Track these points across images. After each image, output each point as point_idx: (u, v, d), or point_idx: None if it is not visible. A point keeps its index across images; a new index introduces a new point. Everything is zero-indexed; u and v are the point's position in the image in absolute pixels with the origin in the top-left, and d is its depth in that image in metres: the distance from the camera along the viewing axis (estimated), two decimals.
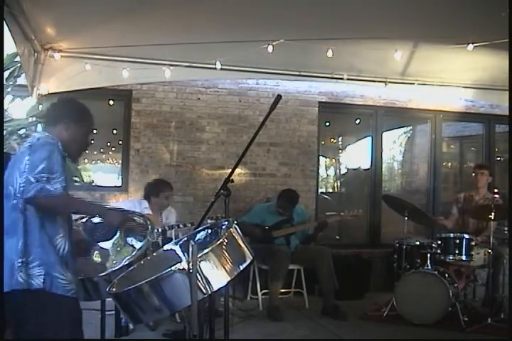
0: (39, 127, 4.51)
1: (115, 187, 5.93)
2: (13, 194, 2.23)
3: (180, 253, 2.54)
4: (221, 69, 4.85)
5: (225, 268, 2.07)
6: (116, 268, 2.58)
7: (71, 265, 2.33)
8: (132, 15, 3.86)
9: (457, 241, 4.79)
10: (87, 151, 2.64)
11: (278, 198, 5.44)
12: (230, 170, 2.66)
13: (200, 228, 2.64)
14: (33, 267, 2.19)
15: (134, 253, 2.80)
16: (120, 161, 6.06)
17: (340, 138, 7.93)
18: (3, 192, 2.27)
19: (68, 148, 2.43)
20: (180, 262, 2.06)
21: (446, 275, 4.76)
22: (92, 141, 2.73)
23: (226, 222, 2.48)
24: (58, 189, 2.20)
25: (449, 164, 7.90)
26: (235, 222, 2.29)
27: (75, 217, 2.68)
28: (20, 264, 2.17)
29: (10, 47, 3.87)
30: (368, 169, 6.86)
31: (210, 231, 2.59)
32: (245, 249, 2.21)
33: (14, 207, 2.23)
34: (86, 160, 7.00)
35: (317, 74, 5.45)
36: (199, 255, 2.00)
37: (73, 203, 2.40)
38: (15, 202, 2.23)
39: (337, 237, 6.42)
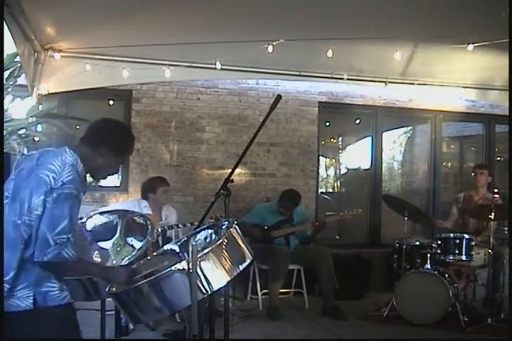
0: (39, 127, 4.52)
1: (115, 187, 5.92)
2: (19, 212, 2.10)
3: (181, 253, 2.54)
4: (221, 69, 4.85)
5: (225, 268, 2.07)
6: None
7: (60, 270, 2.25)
8: (132, 15, 3.86)
9: (457, 241, 4.80)
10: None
11: (280, 198, 5.44)
12: (230, 170, 2.66)
13: (200, 228, 2.64)
14: (20, 289, 2.09)
15: (134, 253, 2.80)
16: None
17: (340, 138, 7.93)
18: (4, 193, 2.22)
19: (94, 173, 2.30)
20: (180, 262, 2.06)
21: (446, 275, 4.76)
22: None
23: (226, 222, 2.48)
24: (72, 253, 2.10)
25: (449, 164, 7.90)
26: (235, 222, 2.29)
27: None
28: (7, 289, 2.07)
29: (10, 47, 3.87)
30: (368, 169, 6.86)
31: (210, 231, 2.60)
32: (245, 249, 2.21)
33: (15, 225, 2.10)
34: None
35: (317, 74, 5.44)
36: (199, 255, 2.00)
37: (84, 269, 2.33)
38: (19, 222, 2.09)
39: (337, 237, 6.42)
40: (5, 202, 2.17)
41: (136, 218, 3.10)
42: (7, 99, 4.26)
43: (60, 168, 2.13)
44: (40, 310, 2.11)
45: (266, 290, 5.24)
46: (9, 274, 2.08)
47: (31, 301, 2.10)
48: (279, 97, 2.62)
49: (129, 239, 2.95)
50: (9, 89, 4.26)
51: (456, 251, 4.80)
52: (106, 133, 2.31)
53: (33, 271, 2.12)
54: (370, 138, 6.84)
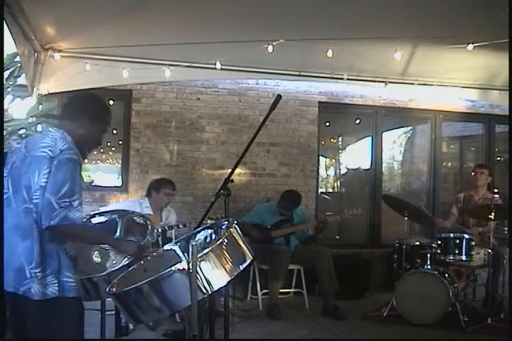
0: (39, 127, 4.52)
1: (115, 187, 5.92)
2: (27, 197, 2.18)
3: (180, 253, 2.54)
4: (221, 69, 4.85)
5: (225, 268, 2.07)
6: (116, 268, 2.57)
7: (75, 262, 2.33)
8: (132, 15, 3.86)
9: (457, 241, 4.80)
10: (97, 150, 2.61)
11: (281, 199, 5.44)
12: (230, 170, 2.66)
13: (200, 228, 2.64)
14: (46, 276, 2.17)
15: None
16: (120, 161, 6.06)
17: (340, 138, 7.93)
18: (3, 189, 2.26)
19: (80, 145, 2.37)
20: (180, 262, 2.06)
21: (446, 275, 4.75)
22: None
23: (226, 222, 2.48)
24: (79, 216, 2.18)
25: (449, 164, 7.90)
26: (235, 222, 2.29)
27: None
28: (34, 274, 2.15)
29: (10, 47, 3.87)
30: (368, 169, 6.86)
31: (210, 231, 2.59)
32: (245, 248, 2.21)
33: (28, 211, 2.18)
34: (86, 160, 6.99)
35: (317, 74, 5.45)
36: (199, 255, 2.00)
37: (92, 234, 2.42)
38: (31, 206, 2.17)
39: (337, 237, 6.41)
40: (6, 197, 2.24)
41: (136, 218, 3.10)
42: (7, 99, 4.26)
43: (53, 142, 2.25)
44: (61, 300, 2.19)
45: (266, 290, 5.24)
46: (32, 262, 2.15)
47: (56, 288, 2.17)
48: (279, 97, 2.62)
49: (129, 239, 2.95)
50: (9, 89, 4.26)
51: (456, 251, 4.79)
52: (79, 104, 2.46)
53: (55, 258, 2.20)
54: (370, 138, 6.84)
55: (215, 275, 2.04)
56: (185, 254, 2.48)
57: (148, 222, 3.00)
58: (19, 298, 2.18)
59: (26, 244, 2.18)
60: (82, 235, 2.31)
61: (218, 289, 2.08)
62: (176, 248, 2.59)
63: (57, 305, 2.20)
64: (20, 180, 2.22)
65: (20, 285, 2.16)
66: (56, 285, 2.18)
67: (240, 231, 2.23)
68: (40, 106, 4.46)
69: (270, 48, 4.33)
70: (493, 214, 4.63)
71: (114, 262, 2.77)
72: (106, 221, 3.04)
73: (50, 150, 2.22)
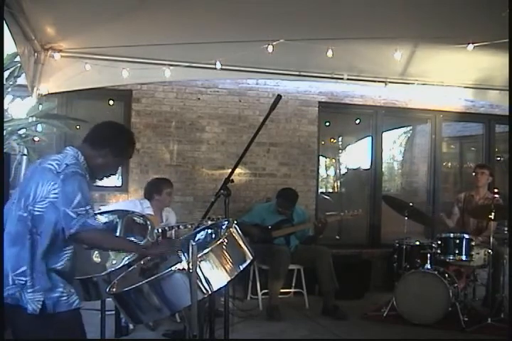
0: (39, 127, 4.52)
1: (115, 187, 5.92)
2: (23, 205, 2.19)
3: (180, 253, 2.54)
4: (221, 69, 4.85)
5: (225, 268, 2.07)
6: (117, 268, 2.58)
7: (71, 273, 2.29)
8: (132, 15, 3.86)
9: (457, 241, 4.80)
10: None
11: (277, 197, 5.45)
12: (230, 170, 2.66)
13: (200, 228, 2.64)
14: (32, 292, 2.12)
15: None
16: None
17: (340, 138, 7.93)
18: (4, 193, 2.26)
19: (94, 171, 2.38)
20: (181, 262, 2.06)
21: (446, 275, 4.76)
22: None
23: (226, 222, 2.48)
24: (99, 223, 2.20)
25: (449, 164, 7.90)
26: (235, 222, 2.29)
27: None
28: (18, 282, 2.12)
29: (10, 47, 3.87)
30: (368, 169, 6.86)
31: (210, 231, 2.60)
32: (245, 249, 2.21)
33: (21, 218, 2.18)
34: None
35: (317, 74, 5.44)
36: (199, 255, 2.00)
37: (115, 240, 2.39)
38: (25, 214, 2.17)
39: (337, 237, 6.42)
40: (12, 203, 2.26)
41: (136, 218, 3.10)
42: (7, 99, 4.25)
43: (62, 157, 2.27)
44: (46, 315, 2.14)
45: (266, 290, 5.24)
46: (21, 268, 2.13)
47: (39, 306, 2.12)
48: (279, 97, 2.62)
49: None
50: (9, 89, 4.25)
51: (456, 251, 4.79)
52: (108, 135, 2.42)
53: (45, 273, 2.16)
54: (370, 138, 6.84)
55: (215, 275, 2.04)
56: (185, 254, 2.48)
57: (148, 222, 3.00)
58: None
59: (13, 251, 2.15)
60: (105, 240, 2.27)
61: (218, 289, 2.08)
62: None
63: (42, 321, 2.15)
64: (25, 189, 2.23)
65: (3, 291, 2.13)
66: (41, 303, 2.12)
67: (239, 231, 2.23)
68: (40, 106, 4.46)
69: (270, 48, 4.33)
70: (493, 214, 4.63)
71: (114, 262, 2.78)
72: (106, 221, 3.05)
73: (57, 163, 2.22)
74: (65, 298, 2.19)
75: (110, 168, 2.45)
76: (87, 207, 2.16)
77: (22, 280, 2.12)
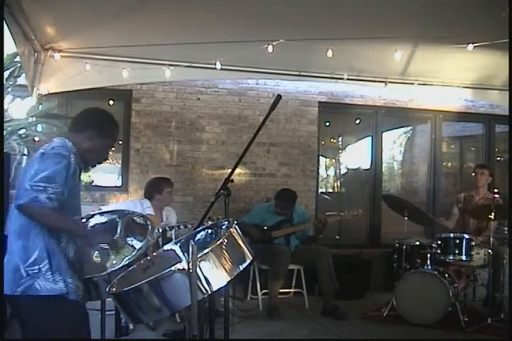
0: (39, 127, 4.52)
1: (115, 187, 5.92)
2: (18, 195, 2.23)
3: (180, 253, 2.54)
4: (221, 69, 4.85)
5: (225, 268, 2.07)
6: (116, 268, 2.58)
7: (78, 269, 2.34)
8: (132, 15, 3.86)
9: (457, 241, 4.79)
10: (102, 164, 2.61)
11: (275, 198, 5.45)
12: (230, 170, 2.66)
13: (200, 228, 2.64)
14: (53, 272, 2.19)
15: (134, 253, 2.79)
16: (120, 161, 6.06)
17: (340, 138, 7.93)
18: (4, 193, 2.28)
19: (85, 157, 2.42)
20: (180, 262, 2.06)
21: (446, 275, 4.75)
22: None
23: (226, 222, 2.48)
24: (50, 201, 2.16)
25: (449, 164, 7.90)
26: (235, 222, 2.29)
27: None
28: (32, 271, 2.17)
29: (10, 47, 3.87)
30: (368, 169, 6.86)
31: (210, 231, 2.59)
32: (245, 249, 2.21)
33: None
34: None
35: (317, 74, 5.45)
36: (199, 255, 2.00)
37: (58, 220, 2.29)
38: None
39: (337, 237, 6.42)
40: (13, 202, 2.28)
41: (136, 218, 3.09)
42: (7, 99, 4.26)
43: (50, 143, 2.36)
44: (64, 300, 2.22)
45: (266, 290, 5.24)
46: (30, 258, 2.18)
47: (63, 285, 2.20)
48: (279, 97, 2.62)
49: (129, 239, 2.94)
50: (9, 89, 4.26)
51: (456, 251, 4.79)
52: (88, 118, 2.53)
53: (59, 257, 2.24)
54: (370, 138, 6.84)
55: (215, 275, 2.04)
56: (185, 254, 2.48)
57: (148, 222, 2.99)
58: (17, 299, 2.18)
59: (19, 244, 2.20)
60: (46, 219, 2.22)
61: (218, 289, 2.07)
62: (176, 248, 2.59)
63: (60, 305, 2.21)
64: (21, 182, 2.28)
65: (17, 285, 2.17)
66: (63, 281, 2.20)
67: (239, 232, 2.23)
68: (40, 106, 4.46)
69: (270, 48, 4.33)
70: (493, 214, 4.63)
71: (114, 262, 2.78)
72: (106, 221, 3.04)
73: (45, 147, 2.31)
74: (74, 286, 2.26)
75: (99, 151, 2.50)
76: (49, 185, 2.16)
77: (35, 269, 2.17)
